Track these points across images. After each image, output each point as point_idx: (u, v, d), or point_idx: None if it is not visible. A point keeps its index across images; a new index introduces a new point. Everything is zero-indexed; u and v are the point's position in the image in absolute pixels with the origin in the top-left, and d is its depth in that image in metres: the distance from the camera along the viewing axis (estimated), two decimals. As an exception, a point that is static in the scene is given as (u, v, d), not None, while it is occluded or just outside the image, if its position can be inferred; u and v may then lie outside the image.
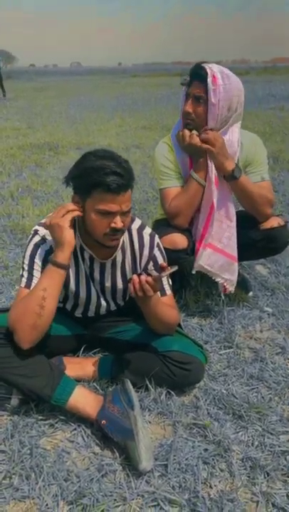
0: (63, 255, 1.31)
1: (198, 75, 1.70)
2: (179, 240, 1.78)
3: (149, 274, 1.29)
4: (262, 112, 8.97)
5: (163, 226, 1.87)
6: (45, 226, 1.35)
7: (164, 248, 1.56)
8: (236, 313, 2.03)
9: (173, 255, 1.68)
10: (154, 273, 1.31)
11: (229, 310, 2.04)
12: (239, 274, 2.20)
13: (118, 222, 1.28)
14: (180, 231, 1.82)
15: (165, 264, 1.33)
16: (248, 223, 1.89)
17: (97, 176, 1.23)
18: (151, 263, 1.50)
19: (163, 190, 1.90)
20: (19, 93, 16.23)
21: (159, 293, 1.47)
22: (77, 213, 1.32)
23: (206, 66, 1.70)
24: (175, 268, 1.30)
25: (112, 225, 1.28)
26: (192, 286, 2.22)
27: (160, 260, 1.50)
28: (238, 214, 1.88)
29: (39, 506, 1.14)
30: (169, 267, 1.30)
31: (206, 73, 1.67)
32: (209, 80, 1.66)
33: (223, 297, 2.10)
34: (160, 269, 1.31)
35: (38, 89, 18.86)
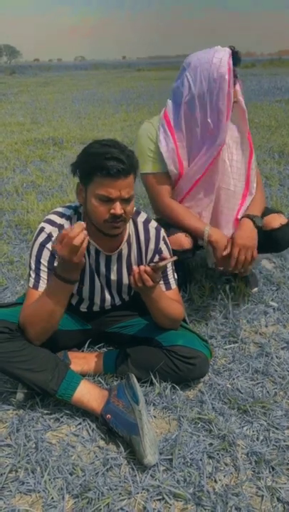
0: (77, 274, 1.32)
1: (237, 60, 1.63)
2: (185, 241, 1.73)
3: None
4: (267, 105, 8.89)
5: (165, 225, 1.78)
6: (60, 243, 1.24)
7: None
8: (241, 307, 2.02)
9: (180, 256, 1.68)
10: (153, 263, 1.31)
11: (234, 304, 2.03)
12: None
13: (117, 209, 1.28)
14: (183, 231, 1.76)
15: (166, 256, 1.33)
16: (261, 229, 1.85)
17: (97, 161, 1.24)
18: (157, 256, 1.49)
19: (150, 175, 1.78)
20: (23, 88, 16.18)
21: (163, 286, 1.47)
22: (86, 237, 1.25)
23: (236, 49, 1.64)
24: (174, 258, 1.31)
25: (112, 211, 1.28)
26: (197, 280, 2.22)
27: (166, 254, 1.49)
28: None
29: (45, 500, 1.15)
30: (167, 257, 1.30)
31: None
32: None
33: (228, 292, 2.09)
34: (161, 260, 1.31)
35: (43, 84, 18.81)
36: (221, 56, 1.60)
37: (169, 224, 1.77)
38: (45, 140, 6.01)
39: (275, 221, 1.84)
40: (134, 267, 1.30)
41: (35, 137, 6.22)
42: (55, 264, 1.34)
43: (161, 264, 1.27)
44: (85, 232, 1.23)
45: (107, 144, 1.27)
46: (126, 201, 1.30)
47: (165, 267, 1.41)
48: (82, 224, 1.24)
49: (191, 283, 2.17)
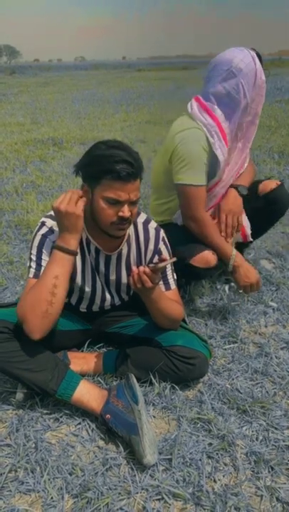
0: (75, 242, 1.32)
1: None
2: (212, 259, 1.72)
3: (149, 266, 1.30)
4: (267, 106, 8.88)
5: (190, 243, 1.76)
6: (55, 211, 1.30)
7: (196, 267, 1.66)
8: (241, 308, 2.03)
9: (206, 273, 1.80)
10: (152, 264, 1.31)
11: (234, 305, 2.03)
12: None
13: (126, 211, 1.28)
14: (208, 248, 1.74)
15: (165, 257, 1.33)
16: (247, 197, 1.92)
17: (107, 164, 1.23)
18: (156, 257, 1.49)
19: (192, 187, 1.71)
20: (23, 88, 16.18)
21: (162, 287, 1.47)
22: (85, 201, 1.32)
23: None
24: (173, 259, 1.31)
25: (120, 213, 1.28)
26: (197, 281, 2.22)
27: (166, 254, 1.49)
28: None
29: (44, 499, 1.15)
30: (167, 258, 1.30)
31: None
32: None
33: (227, 292, 2.09)
34: (160, 261, 1.31)
35: (43, 84, 18.81)
36: (257, 62, 1.68)
37: (193, 238, 1.78)
38: (45, 140, 6.01)
39: (271, 183, 1.97)
40: (134, 268, 1.31)
41: (35, 137, 6.22)
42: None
43: (161, 265, 1.27)
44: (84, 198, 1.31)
45: (114, 146, 1.26)
46: (133, 204, 1.30)
47: (164, 268, 1.41)
48: (79, 192, 1.32)
49: (191, 283, 2.17)
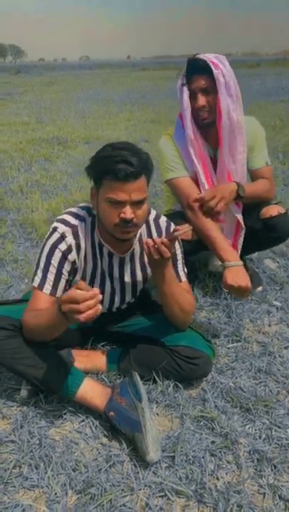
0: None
1: (195, 67, 1.72)
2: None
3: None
4: (272, 105, 8.87)
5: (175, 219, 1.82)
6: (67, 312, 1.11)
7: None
8: (244, 307, 2.03)
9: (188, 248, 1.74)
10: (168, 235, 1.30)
11: (237, 304, 2.04)
12: (249, 269, 2.20)
13: (127, 213, 1.24)
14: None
15: (178, 227, 1.30)
16: (247, 214, 1.91)
17: (107, 164, 1.22)
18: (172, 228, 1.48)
19: (174, 180, 1.87)
20: (28, 87, 16.23)
21: (174, 273, 1.44)
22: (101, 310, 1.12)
23: (201, 56, 1.72)
24: (189, 228, 1.31)
25: (122, 215, 1.25)
26: (200, 279, 2.23)
27: (177, 245, 1.47)
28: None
29: (48, 495, 1.16)
30: (180, 228, 1.28)
31: (204, 62, 1.69)
32: (211, 65, 1.69)
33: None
34: (173, 232, 1.29)
35: (47, 83, 18.85)
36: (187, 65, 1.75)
37: (181, 217, 1.83)
38: (49, 139, 6.03)
39: (274, 210, 1.89)
40: (149, 240, 1.28)
41: (40, 136, 6.25)
42: (64, 269, 1.35)
43: (177, 233, 1.26)
44: (100, 306, 1.10)
45: (119, 147, 1.25)
46: (137, 204, 1.26)
47: (175, 253, 1.43)
48: (99, 296, 1.09)
49: (195, 282, 2.18)
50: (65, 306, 1.09)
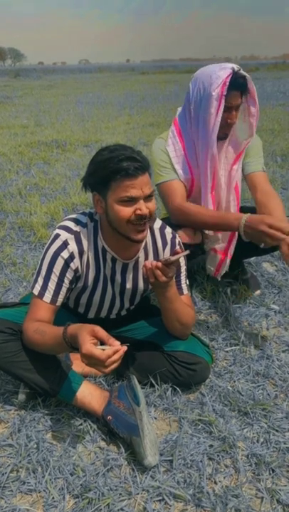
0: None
1: (237, 83, 1.64)
2: (181, 235, 1.70)
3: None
4: (270, 109, 8.90)
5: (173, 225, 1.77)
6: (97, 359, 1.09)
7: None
8: (243, 310, 2.03)
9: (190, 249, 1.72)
10: (165, 258, 1.29)
11: (235, 307, 2.04)
12: (247, 272, 2.21)
13: (143, 208, 1.23)
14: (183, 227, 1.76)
15: (178, 250, 1.31)
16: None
17: (112, 165, 1.21)
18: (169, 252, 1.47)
19: (164, 183, 1.84)
20: (27, 91, 16.26)
21: (176, 291, 1.43)
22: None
23: (243, 73, 1.67)
24: (186, 252, 1.28)
25: (138, 212, 1.23)
26: (198, 283, 2.23)
27: (181, 258, 1.46)
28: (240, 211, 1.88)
29: (45, 499, 1.15)
30: (179, 251, 1.28)
31: (246, 81, 1.66)
32: (251, 85, 1.67)
33: (229, 294, 2.10)
34: (173, 254, 1.29)
35: (47, 86, 18.89)
36: (222, 74, 1.62)
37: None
38: (48, 142, 6.04)
39: None
40: (146, 262, 1.28)
41: (39, 140, 6.26)
42: (66, 277, 1.33)
43: (174, 258, 1.25)
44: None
45: (115, 148, 1.25)
46: (148, 198, 1.25)
47: (179, 266, 1.42)
48: (124, 348, 1.11)
49: (193, 286, 2.18)
50: (87, 360, 1.09)
